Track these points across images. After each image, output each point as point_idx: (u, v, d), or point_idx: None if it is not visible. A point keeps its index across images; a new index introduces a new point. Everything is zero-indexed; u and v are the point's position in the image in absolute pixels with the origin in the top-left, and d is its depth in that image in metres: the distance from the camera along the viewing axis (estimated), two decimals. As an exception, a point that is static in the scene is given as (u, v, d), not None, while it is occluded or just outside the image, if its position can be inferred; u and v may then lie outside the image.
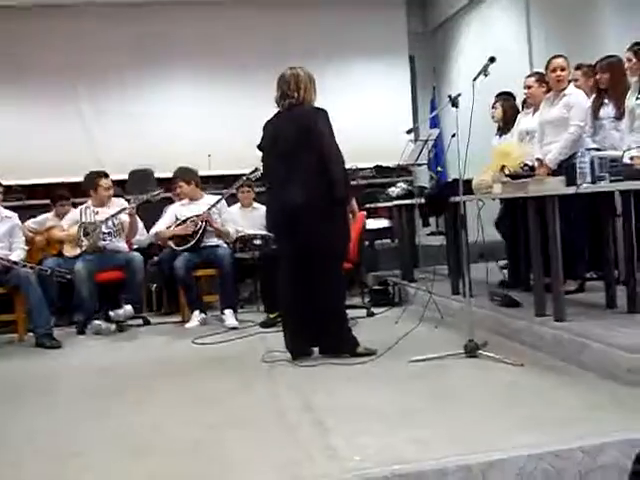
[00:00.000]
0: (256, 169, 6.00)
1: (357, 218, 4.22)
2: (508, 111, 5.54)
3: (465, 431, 2.68)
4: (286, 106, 4.04)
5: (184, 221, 5.76)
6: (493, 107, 5.64)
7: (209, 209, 5.78)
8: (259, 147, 4.22)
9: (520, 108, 5.60)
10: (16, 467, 2.64)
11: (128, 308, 5.54)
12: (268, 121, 4.18)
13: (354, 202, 4.11)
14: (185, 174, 6.01)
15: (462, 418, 2.85)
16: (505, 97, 5.64)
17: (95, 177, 5.86)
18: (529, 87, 5.14)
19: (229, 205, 6.25)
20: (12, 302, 5.47)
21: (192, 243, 5.69)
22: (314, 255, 3.97)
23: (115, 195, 6.33)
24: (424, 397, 3.18)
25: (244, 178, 6.14)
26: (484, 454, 2.43)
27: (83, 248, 5.67)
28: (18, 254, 5.44)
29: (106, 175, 5.91)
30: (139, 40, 8.80)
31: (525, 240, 4.57)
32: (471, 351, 3.80)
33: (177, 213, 5.92)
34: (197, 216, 5.71)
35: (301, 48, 8.54)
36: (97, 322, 5.48)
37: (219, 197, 5.98)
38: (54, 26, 8.62)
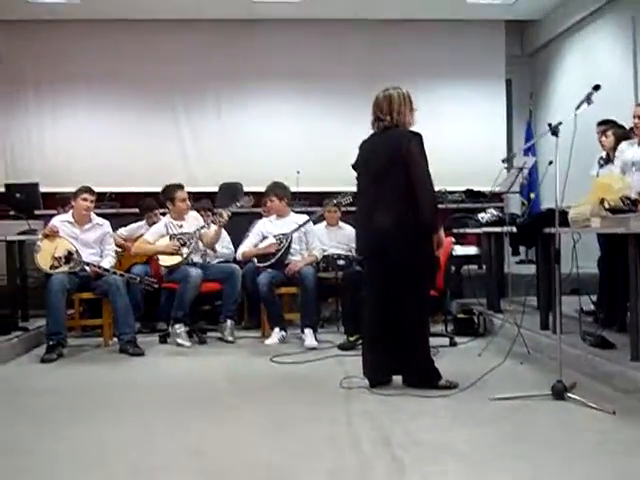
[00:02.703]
0: (347, 193, 5.98)
1: (444, 249, 4.10)
2: (620, 139, 5.26)
3: (550, 482, 2.54)
4: (380, 128, 3.99)
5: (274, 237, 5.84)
6: (604, 135, 5.38)
7: (295, 230, 5.80)
8: (353, 167, 4.18)
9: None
10: (101, 478, 2.66)
11: (229, 324, 5.66)
12: (363, 141, 4.14)
13: (442, 232, 3.98)
14: (278, 189, 6.04)
15: (546, 466, 2.69)
16: (616, 125, 5.37)
17: (171, 190, 5.96)
18: (639, 117, 4.88)
19: (315, 223, 6.24)
20: (100, 307, 5.63)
21: (272, 261, 5.72)
22: (400, 282, 3.88)
23: (204, 207, 6.45)
24: (506, 440, 3.03)
25: (334, 202, 6.13)
26: (570, 510, 2.29)
27: (185, 255, 5.78)
28: (109, 261, 5.60)
29: (181, 187, 5.99)
30: (235, 57, 8.98)
31: (623, 278, 4.32)
32: (559, 393, 3.60)
33: (263, 230, 5.97)
34: (286, 240, 5.79)
35: (394, 68, 8.52)
36: (183, 328, 5.56)
37: (306, 217, 5.98)
38: (153, 40, 8.91)
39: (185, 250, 5.79)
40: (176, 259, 5.78)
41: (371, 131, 4.10)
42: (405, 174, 3.82)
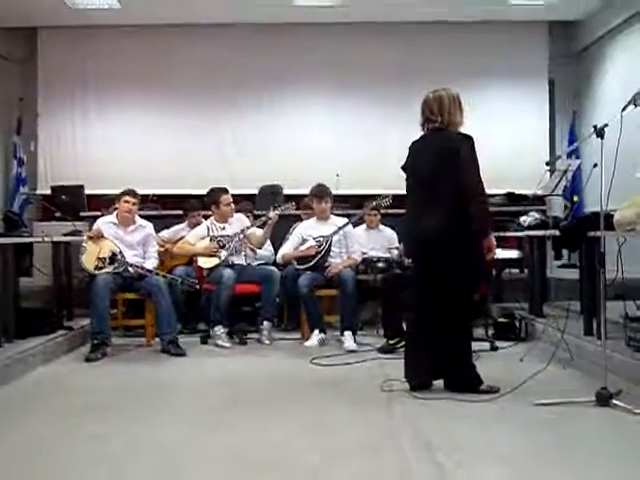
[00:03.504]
0: (386, 195, 5.98)
1: (493, 253, 4.00)
2: None
3: (594, 490, 2.50)
4: (431, 130, 3.95)
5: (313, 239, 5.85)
6: None
7: (335, 233, 5.81)
8: (403, 168, 4.14)
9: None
10: (140, 476, 2.71)
11: (266, 325, 5.71)
12: (413, 142, 4.10)
13: (492, 237, 3.93)
14: (327, 192, 6.02)
15: (591, 474, 2.66)
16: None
17: (216, 193, 6.01)
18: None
19: (354, 226, 6.25)
20: (143, 308, 5.71)
21: (312, 263, 5.74)
22: (447, 286, 3.84)
23: (245, 209, 6.51)
24: (550, 446, 2.99)
25: (374, 203, 6.12)
26: (617, 519, 2.25)
27: (222, 258, 5.84)
28: (152, 262, 5.69)
29: (226, 191, 6.05)
30: (275, 60, 9.02)
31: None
32: (603, 400, 3.54)
33: (304, 233, 5.99)
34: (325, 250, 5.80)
35: (434, 70, 8.44)
36: (222, 329, 5.60)
37: (345, 220, 5.99)
38: (194, 44, 9.00)
39: (223, 253, 5.85)
40: (214, 261, 5.84)
41: (417, 132, 4.06)
42: (456, 177, 3.77)
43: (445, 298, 3.87)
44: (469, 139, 3.84)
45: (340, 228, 5.86)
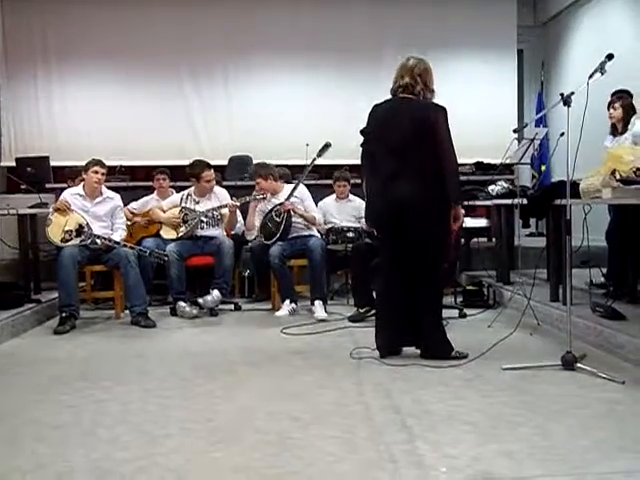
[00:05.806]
0: (326, 145, 5.89)
1: (460, 222, 4.03)
2: (628, 111, 5.21)
3: (559, 449, 2.56)
4: (402, 97, 3.89)
5: (269, 212, 5.80)
6: (611, 107, 5.33)
7: (287, 198, 5.77)
8: (363, 131, 4.07)
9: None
10: (111, 445, 2.71)
11: (215, 293, 5.60)
12: (377, 105, 4.02)
13: (460, 207, 3.96)
14: (260, 170, 6.00)
15: (556, 435, 2.72)
16: (624, 96, 5.32)
17: (198, 167, 5.91)
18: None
19: (325, 196, 6.23)
20: (112, 280, 5.67)
21: (277, 236, 5.70)
22: (418, 254, 3.86)
23: (218, 182, 6.44)
24: (516, 409, 3.05)
25: (315, 157, 6.01)
26: (579, 477, 2.30)
27: (180, 234, 5.80)
28: (119, 234, 5.62)
29: (209, 166, 5.94)
30: (241, 29, 8.93)
31: (635, 249, 4.31)
32: (568, 363, 3.62)
33: (264, 209, 5.92)
34: (280, 204, 5.74)
35: (402, 39, 8.43)
36: (182, 304, 5.60)
37: (294, 183, 5.97)
38: (161, 14, 8.87)
39: (182, 228, 5.81)
40: (172, 234, 5.83)
41: (381, 98, 4.03)
42: (430, 149, 3.76)
43: (417, 265, 3.88)
44: (444, 110, 3.83)
45: (292, 192, 5.81)
